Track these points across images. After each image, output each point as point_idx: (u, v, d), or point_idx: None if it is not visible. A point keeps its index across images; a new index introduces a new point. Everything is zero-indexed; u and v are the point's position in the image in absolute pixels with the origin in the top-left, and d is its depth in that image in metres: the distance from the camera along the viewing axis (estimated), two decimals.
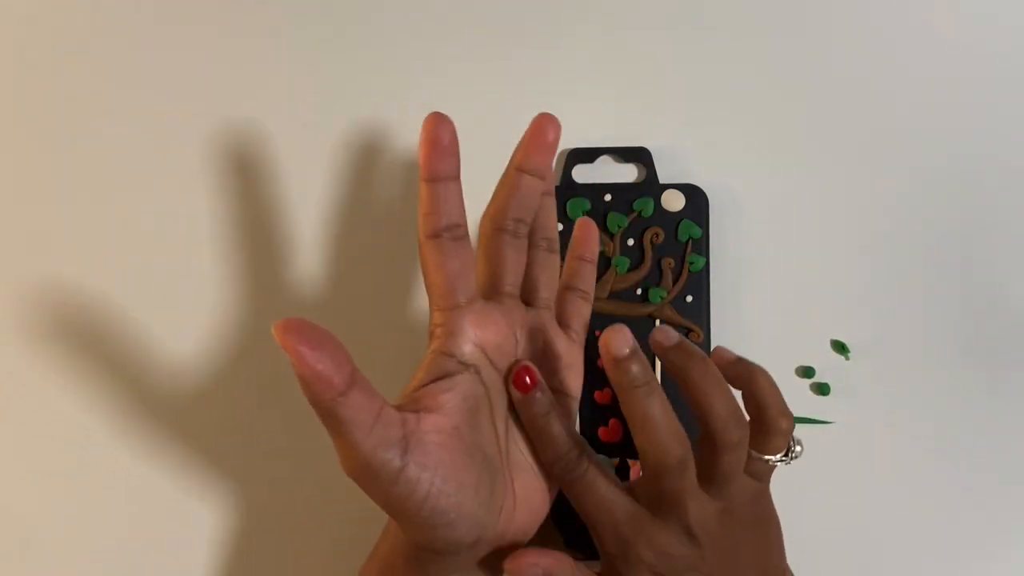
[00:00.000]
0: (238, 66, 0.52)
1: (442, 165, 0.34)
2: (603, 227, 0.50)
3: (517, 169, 0.36)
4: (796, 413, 0.50)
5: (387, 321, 0.51)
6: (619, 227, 0.50)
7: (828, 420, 0.50)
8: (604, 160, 0.51)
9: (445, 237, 0.35)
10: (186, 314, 0.51)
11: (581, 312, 0.41)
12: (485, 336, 0.36)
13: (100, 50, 0.53)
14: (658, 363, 0.49)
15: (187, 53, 0.53)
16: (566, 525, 0.49)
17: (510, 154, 0.51)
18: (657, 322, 0.50)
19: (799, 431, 0.50)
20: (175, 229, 0.52)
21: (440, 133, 0.34)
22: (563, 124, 0.51)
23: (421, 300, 0.51)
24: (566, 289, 0.42)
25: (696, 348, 0.36)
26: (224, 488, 0.51)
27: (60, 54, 0.53)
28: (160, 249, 0.52)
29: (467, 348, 0.36)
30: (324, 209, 0.52)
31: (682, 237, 0.50)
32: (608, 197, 0.50)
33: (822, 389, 0.50)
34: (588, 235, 0.42)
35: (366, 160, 0.52)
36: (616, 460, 0.49)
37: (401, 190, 0.52)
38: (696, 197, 0.50)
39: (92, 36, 0.53)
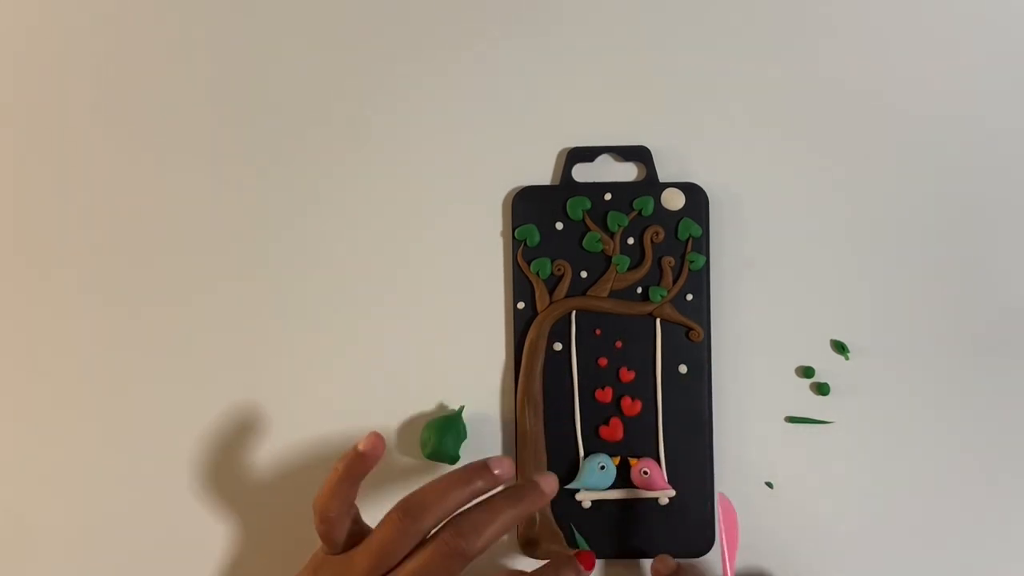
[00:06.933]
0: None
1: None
2: (603, 226, 0.50)
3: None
4: (796, 413, 0.50)
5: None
6: (619, 226, 0.50)
7: (828, 420, 0.50)
8: (604, 159, 0.51)
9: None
10: (191, 312, 0.51)
11: None
12: None
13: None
14: (658, 361, 0.49)
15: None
16: (567, 524, 0.49)
17: (509, 155, 0.51)
18: (657, 322, 0.50)
19: (799, 431, 0.50)
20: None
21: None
22: (563, 123, 0.51)
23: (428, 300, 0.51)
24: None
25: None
26: (227, 492, 0.51)
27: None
28: (174, 249, 0.52)
29: None
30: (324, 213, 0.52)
31: (682, 236, 0.50)
32: (608, 196, 0.50)
33: (822, 389, 0.50)
34: None
35: (361, 165, 0.52)
36: (617, 459, 0.49)
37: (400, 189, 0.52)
38: (696, 196, 0.50)
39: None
